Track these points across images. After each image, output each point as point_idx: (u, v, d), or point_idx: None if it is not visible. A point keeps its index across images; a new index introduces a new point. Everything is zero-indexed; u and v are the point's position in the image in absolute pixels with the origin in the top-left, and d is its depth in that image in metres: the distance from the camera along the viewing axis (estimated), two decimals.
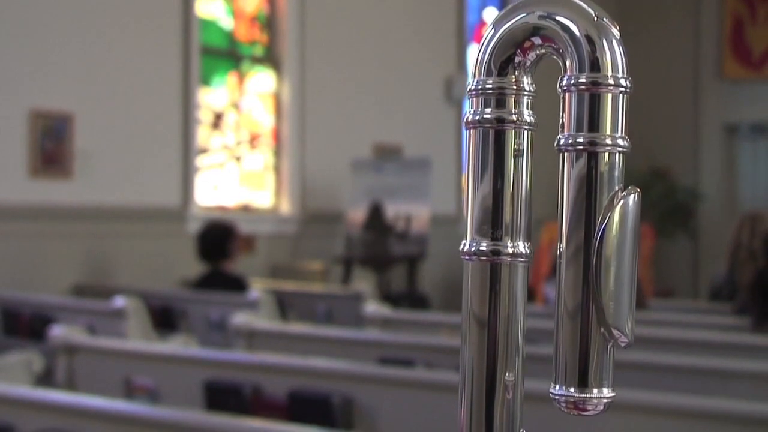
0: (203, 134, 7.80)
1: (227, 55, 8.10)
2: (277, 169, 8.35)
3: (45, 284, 6.44)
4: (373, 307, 4.93)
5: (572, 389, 0.50)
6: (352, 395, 3.16)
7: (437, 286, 8.94)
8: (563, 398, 0.51)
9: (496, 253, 0.51)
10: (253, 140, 8.26)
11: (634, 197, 0.51)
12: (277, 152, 8.35)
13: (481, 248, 0.51)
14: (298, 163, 8.31)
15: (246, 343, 4.26)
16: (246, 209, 8.08)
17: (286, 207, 8.30)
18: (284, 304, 5.88)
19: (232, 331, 4.39)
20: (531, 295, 7.20)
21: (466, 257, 0.52)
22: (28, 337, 5.46)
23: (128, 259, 7.01)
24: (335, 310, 5.90)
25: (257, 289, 5.91)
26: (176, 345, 4.49)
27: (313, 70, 8.39)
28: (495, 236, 0.51)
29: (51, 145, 6.68)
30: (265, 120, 8.33)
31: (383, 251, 7.90)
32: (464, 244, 0.52)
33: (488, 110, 0.52)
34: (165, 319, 5.70)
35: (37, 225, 6.53)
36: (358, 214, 8.04)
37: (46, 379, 4.28)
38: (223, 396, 3.37)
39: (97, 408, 2.66)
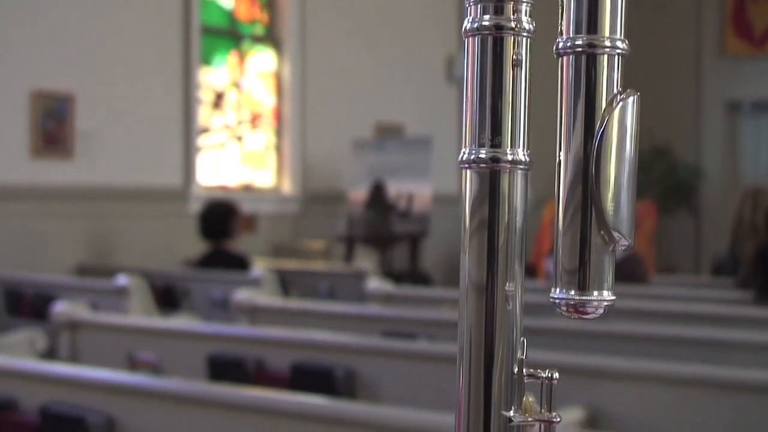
0: (204, 114, 7.79)
1: (228, 34, 8.08)
2: (279, 148, 8.34)
3: (47, 265, 6.45)
4: (375, 284, 4.93)
5: (572, 292, 0.50)
6: (354, 368, 3.16)
7: (439, 264, 8.95)
8: (563, 301, 0.50)
9: (495, 160, 0.51)
10: (255, 120, 8.25)
11: (634, 99, 0.50)
12: (279, 132, 8.34)
13: (480, 156, 0.51)
14: (299, 142, 8.30)
15: (248, 320, 4.26)
16: (247, 189, 8.08)
17: (287, 186, 8.29)
18: (286, 282, 5.88)
19: (235, 308, 4.39)
20: (533, 272, 7.19)
21: (465, 165, 0.51)
22: (32, 317, 5.47)
23: (130, 240, 7.01)
24: (337, 287, 5.90)
25: (259, 267, 5.91)
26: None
27: (313, 50, 8.37)
28: (494, 143, 0.51)
29: (52, 126, 6.67)
30: (266, 99, 8.31)
31: (385, 230, 7.90)
32: (463, 153, 0.52)
33: (486, 17, 0.52)
34: (167, 297, 5.70)
35: (39, 205, 6.53)
36: (359, 193, 8.03)
37: (49, 356, 4.29)
38: (226, 370, 3.38)
39: (100, 380, 2.67)
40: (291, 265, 6.77)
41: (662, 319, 4.06)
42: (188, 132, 7.42)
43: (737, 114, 11.41)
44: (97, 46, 6.84)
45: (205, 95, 7.79)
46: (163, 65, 7.28)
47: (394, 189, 7.92)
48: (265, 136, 8.31)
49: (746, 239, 5.35)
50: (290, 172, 8.28)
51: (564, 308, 0.50)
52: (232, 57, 8.10)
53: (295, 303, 4.60)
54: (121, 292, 4.91)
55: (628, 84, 0.52)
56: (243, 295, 4.40)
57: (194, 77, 7.45)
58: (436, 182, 8.03)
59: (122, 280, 4.94)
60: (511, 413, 0.48)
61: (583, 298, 0.50)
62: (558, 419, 0.49)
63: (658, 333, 3.53)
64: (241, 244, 6.25)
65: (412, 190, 7.88)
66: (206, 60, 7.78)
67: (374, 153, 8.11)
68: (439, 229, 8.22)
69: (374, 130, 8.83)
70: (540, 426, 0.48)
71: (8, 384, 2.81)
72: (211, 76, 7.89)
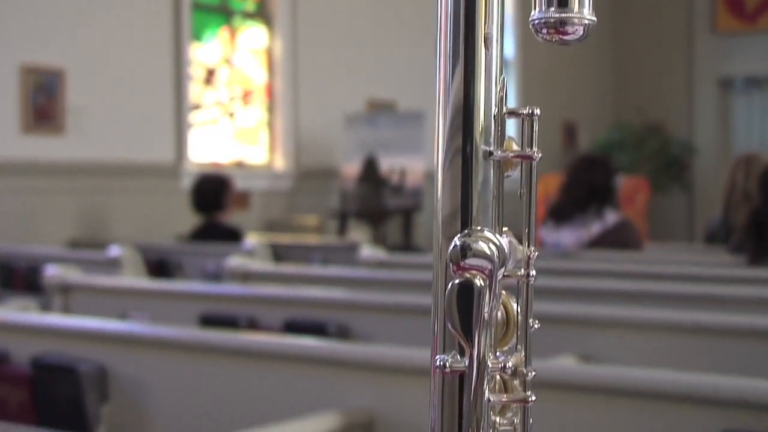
0: (196, 90, 7.76)
1: (218, 10, 8.05)
2: (271, 125, 8.32)
3: (40, 240, 6.43)
4: (368, 251, 4.91)
5: (552, 9, 0.48)
6: (347, 324, 3.15)
7: (432, 238, 8.93)
8: (542, 21, 0.48)
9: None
10: (246, 96, 8.22)
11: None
12: (271, 108, 8.32)
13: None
14: (291, 118, 8.27)
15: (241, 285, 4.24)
16: (240, 165, 8.06)
17: (280, 163, 8.27)
18: (279, 255, 5.87)
19: (227, 274, 4.37)
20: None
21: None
22: (25, 290, 5.45)
23: (122, 216, 6.99)
24: (330, 259, 5.88)
25: (252, 239, 5.90)
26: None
27: (305, 25, 8.35)
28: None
29: (43, 101, 6.65)
30: (257, 76, 8.29)
31: (378, 204, 7.88)
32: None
33: None
34: (160, 270, 5.68)
35: (31, 181, 6.51)
36: (352, 169, 8.02)
37: None
38: (218, 328, 3.36)
39: (91, 330, 2.65)
40: (284, 239, 6.76)
41: (656, 279, 4.06)
42: (180, 108, 7.40)
43: (729, 90, 11.41)
44: (87, 21, 6.81)
45: (196, 71, 7.76)
46: (154, 41, 7.25)
47: (387, 164, 7.91)
48: (257, 113, 8.28)
49: (739, 206, 5.36)
50: (282, 149, 8.26)
51: (543, 30, 0.48)
52: (223, 33, 8.07)
53: (287, 268, 4.59)
54: (114, 262, 4.89)
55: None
56: (236, 261, 4.39)
57: (185, 53, 7.42)
58: (428, 157, 8.00)
59: (114, 250, 4.92)
60: (492, 148, 0.46)
61: (563, 15, 0.48)
62: (538, 156, 0.47)
63: (651, 290, 3.53)
64: (233, 220, 6.23)
65: (404, 164, 7.87)
66: (197, 36, 7.75)
67: (367, 128, 8.10)
68: (431, 203, 8.19)
69: (366, 106, 8.81)
70: (521, 163, 0.47)
71: None
72: (202, 53, 7.86)
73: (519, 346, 0.45)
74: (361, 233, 7.33)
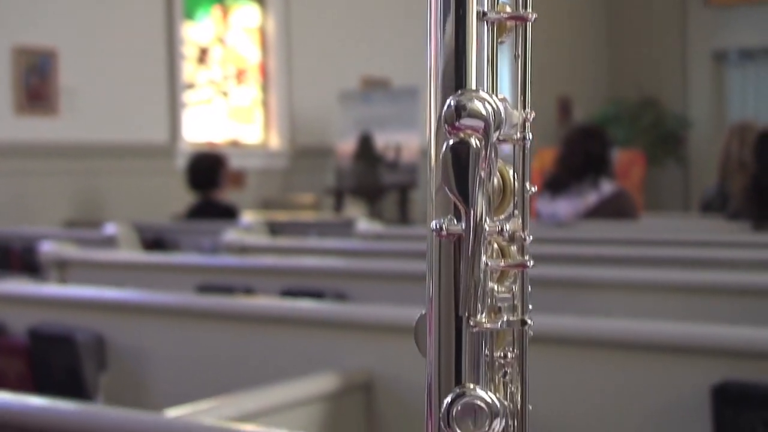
0: (189, 69, 7.73)
1: None
2: (265, 103, 8.29)
3: (35, 222, 6.41)
4: (364, 225, 4.91)
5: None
6: (345, 291, 3.15)
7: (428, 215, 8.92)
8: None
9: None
10: (240, 75, 8.20)
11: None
12: (265, 87, 8.30)
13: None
14: (285, 97, 8.25)
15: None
16: (235, 144, 8.04)
17: (275, 142, 8.25)
18: (275, 232, 5.85)
19: (224, 248, 4.36)
20: None
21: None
22: (20, 270, 5.44)
23: (117, 196, 6.98)
24: (327, 235, 5.87)
25: (248, 216, 5.89)
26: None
27: (298, 3, 8.31)
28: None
29: (36, 82, 6.62)
30: (251, 54, 8.26)
31: (374, 181, 7.88)
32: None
33: None
34: (156, 249, 5.67)
35: (25, 162, 6.49)
36: (347, 146, 8.01)
37: None
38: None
39: (87, 298, 2.65)
40: (280, 216, 6.75)
41: (653, 246, 4.05)
42: (173, 88, 7.37)
43: (724, 63, 11.39)
44: (79, 1, 6.78)
45: (189, 51, 7.74)
46: (147, 20, 7.22)
47: (382, 140, 7.89)
48: (251, 92, 8.26)
49: (734, 175, 5.36)
50: (277, 127, 8.24)
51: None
52: (215, 12, 8.04)
53: (284, 241, 4.58)
54: (110, 241, 4.88)
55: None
56: (232, 235, 4.38)
57: (178, 32, 7.39)
58: (423, 133, 7.98)
59: (110, 228, 4.91)
60: (485, 8, 0.45)
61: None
62: (533, 17, 0.45)
63: (648, 255, 3.52)
64: (228, 198, 6.22)
65: (399, 141, 7.85)
66: (189, 15, 7.72)
67: (361, 105, 8.08)
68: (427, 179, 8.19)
69: (361, 84, 8.79)
70: (515, 26, 0.46)
71: None
72: (195, 32, 7.83)
73: (516, 212, 0.44)
74: (357, 210, 7.32)
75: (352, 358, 2.19)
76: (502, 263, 0.44)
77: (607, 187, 4.89)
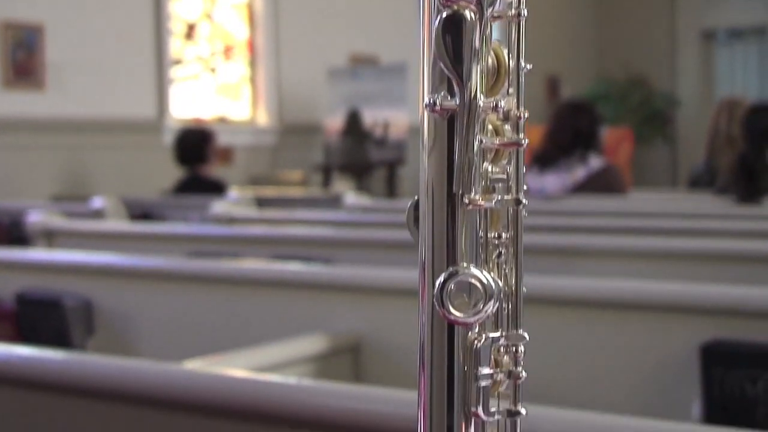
0: (176, 45, 7.69)
1: None
2: (253, 80, 8.26)
3: (21, 197, 6.38)
4: (352, 198, 4.90)
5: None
6: (332, 259, 3.14)
7: (416, 191, 8.90)
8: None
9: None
10: (228, 51, 8.16)
11: None
12: (253, 63, 8.26)
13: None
14: (273, 73, 8.22)
15: None
16: (222, 121, 8.01)
17: (263, 118, 8.23)
18: (264, 207, 5.84)
19: (212, 220, 4.35)
20: None
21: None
22: (8, 244, 5.42)
23: (105, 172, 6.95)
24: (315, 209, 5.86)
25: (236, 191, 5.87)
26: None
27: None
28: None
29: (22, 57, 6.58)
30: (238, 31, 8.22)
31: (362, 157, 7.86)
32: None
33: None
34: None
35: (12, 137, 6.45)
36: (335, 122, 7.99)
37: None
38: None
39: (75, 263, 2.64)
40: (269, 192, 6.73)
41: (641, 218, 4.06)
42: (161, 63, 7.34)
43: (712, 42, 11.39)
44: None
45: (176, 26, 7.70)
46: None
47: (370, 117, 7.88)
48: (239, 68, 8.23)
49: (722, 150, 5.36)
50: (265, 104, 8.21)
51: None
52: None
53: (272, 213, 4.57)
54: (97, 214, 4.86)
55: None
56: (220, 207, 4.37)
57: (165, 8, 7.35)
58: (411, 109, 7.98)
59: (98, 202, 4.89)
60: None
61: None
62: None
63: (636, 226, 3.52)
64: (217, 174, 6.21)
65: (387, 117, 7.84)
66: None
67: (349, 81, 8.06)
68: (415, 156, 8.15)
69: (349, 60, 8.76)
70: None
71: None
72: (182, 7, 7.79)
73: (511, 90, 0.44)
74: (345, 186, 7.31)
75: (340, 321, 2.18)
76: (497, 141, 0.43)
77: (595, 162, 4.89)
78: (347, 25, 8.82)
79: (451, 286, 0.42)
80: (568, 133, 4.84)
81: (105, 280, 2.55)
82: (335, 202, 5.63)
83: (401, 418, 1.07)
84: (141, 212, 5.75)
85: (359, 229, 3.71)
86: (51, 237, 3.79)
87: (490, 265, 0.44)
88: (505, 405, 0.44)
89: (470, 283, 0.42)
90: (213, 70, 8.04)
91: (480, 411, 0.43)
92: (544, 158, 4.94)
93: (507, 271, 0.44)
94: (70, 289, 2.59)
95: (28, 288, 2.65)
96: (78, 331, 2.55)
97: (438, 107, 0.42)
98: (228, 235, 3.46)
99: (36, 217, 3.85)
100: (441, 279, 0.42)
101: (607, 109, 10.14)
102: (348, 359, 2.14)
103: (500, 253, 0.44)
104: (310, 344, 2.09)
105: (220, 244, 3.41)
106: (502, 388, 0.44)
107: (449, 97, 0.42)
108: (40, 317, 2.61)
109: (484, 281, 0.42)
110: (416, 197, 0.46)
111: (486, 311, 0.42)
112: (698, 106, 11.13)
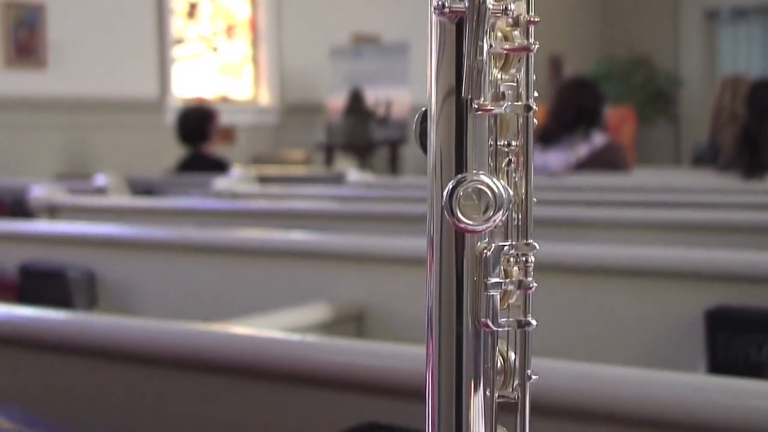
0: (178, 24, 7.67)
1: None
2: (255, 59, 8.24)
3: (24, 176, 6.37)
4: (355, 175, 4.90)
5: None
6: (335, 231, 3.13)
7: (419, 170, 8.90)
8: None
9: None
10: (230, 30, 8.14)
11: None
12: (255, 43, 8.24)
13: None
14: (275, 53, 8.20)
15: None
16: (225, 101, 8.00)
17: (265, 97, 8.21)
18: (266, 185, 5.83)
19: (214, 197, 4.35)
20: None
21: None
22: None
23: (107, 151, 6.94)
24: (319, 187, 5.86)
25: (238, 170, 5.86)
26: None
27: None
28: None
29: (24, 36, 6.57)
30: (240, 10, 8.19)
31: (364, 137, 7.85)
32: None
33: None
34: None
35: (13, 116, 6.44)
36: (338, 102, 7.97)
37: None
38: None
39: (79, 234, 2.63)
40: (271, 171, 6.72)
41: (644, 193, 4.05)
42: (162, 42, 7.32)
43: (715, 22, 11.34)
44: None
45: (178, 5, 7.67)
46: None
47: (372, 96, 7.86)
48: (241, 47, 8.20)
49: (726, 127, 5.35)
50: (267, 83, 8.19)
51: None
52: None
53: (274, 188, 4.57)
54: (100, 191, 4.85)
55: None
56: (223, 183, 4.37)
57: None
58: (414, 88, 7.95)
59: (101, 179, 4.88)
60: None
61: None
62: None
63: (640, 199, 3.51)
64: (219, 153, 6.20)
65: (390, 96, 7.82)
66: None
67: (351, 60, 8.03)
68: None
69: (351, 40, 8.73)
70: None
71: None
72: None
73: None
74: (347, 165, 7.30)
75: (344, 290, 2.18)
76: (507, 45, 0.43)
77: (598, 139, 4.88)
78: (349, 4, 8.79)
79: (460, 192, 0.41)
80: (571, 111, 4.83)
81: (108, 251, 2.54)
82: (338, 180, 5.62)
83: (407, 373, 1.07)
84: (143, 190, 5.74)
85: (362, 203, 3.71)
86: (54, 212, 3.78)
87: (500, 174, 0.43)
88: (516, 316, 0.44)
89: (480, 190, 0.41)
90: (215, 49, 8.02)
91: (490, 321, 0.42)
92: (548, 135, 4.93)
93: (517, 179, 0.44)
94: (73, 261, 2.58)
95: (32, 259, 2.65)
96: (81, 302, 2.55)
97: (447, 9, 0.41)
98: (230, 209, 3.46)
99: (39, 192, 3.84)
100: (450, 186, 0.42)
101: (610, 88, 10.10)
102: (351, 327, 2.14)
103: (510, 161, 0.43)
104: (314, 313, 2.08)
105: (223, 218, 3.40)
106: (512, 300, 0.44)
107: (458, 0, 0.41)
108: (44, 288, 2.61)
109: (494, 188, 0.41)
110: (423, 109, 0.45)
111: (496, 219, 0.41)
112: (701, 85, 11.09)
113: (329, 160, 7.82)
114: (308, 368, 1.12)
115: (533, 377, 0.44)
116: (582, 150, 4.88)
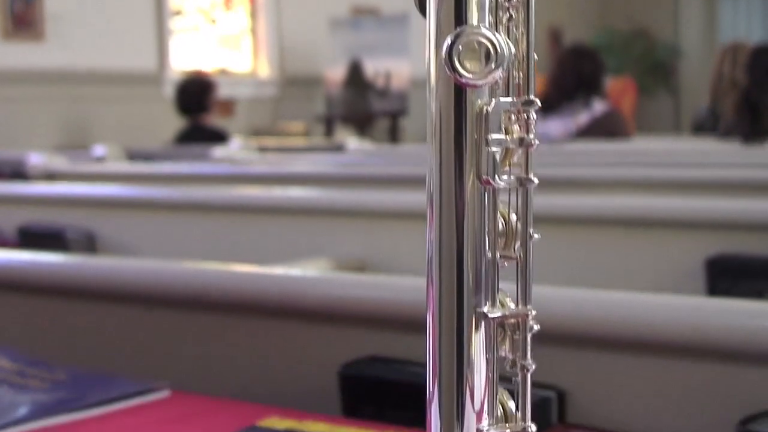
0: None
1: None
2: (254, 31, 8.21)
3: (22, 148, 6.36)
4: (355, 144, 4.89)
5: None
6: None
7: (419, 141, 8.89)
8: None
9: None
10: (228, 2, 8.11)
11: None
12: (253, 14, 8.21)
13: None
14: (274, 24, 8.17)
15: None
16: (224, 73, 7.97)
17: (264, 70, 8.18)
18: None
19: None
20: None
21: None
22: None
23: (105, 123, 6.93)
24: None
25: (238, 141, 5.85)
26: None
27: None
28: None
29: (21, 7, 6.54)
30: None
31: (364, 108, 7.83)
32: None
33: None
34: None
35: (12, 89, 6.43)
36: (337, 73, 7.95)
37: None
38: None
39: (77, 195, 2.63)
40: (270, 142, 6.71)
41: (647, 157, 4.04)
42: (160, 14, 7.29)
43: None
44: None
45: None
46: None
47: (372, 68, 7.84)
48: (239, 19, 8.17)
49: (726, 95, 5.33)
50: (266, 55, 8.17)
51: None
52: None
53: (274, 157, 4.56)
54: (100, 161, 4.84)
55: None
56: (222, 152, 4.37)
57: None
58: (414, 60, 7.93)
59: (100, 150, 4.88)
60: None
61: None
62: None
63: (641, 161, 3.51)
64: (218, 124, 6.19)
65: (389, 68, 7.80)
66: None
67: (351, 32, 8.01)
68: (418, 106, 8.15)
69: (351, 11, 8.70)
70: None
71: None
72: None
73: None
74: (347, 137, 7.29)
75: (344, 245, 2.18)
76: None
77: (598, 106, 4.87)
78: None
79: (460, 46, 0.41)
80: (571, 79, 4.82)
81: (107, 212, 2.54)
82: (338, 150, 5.61)
83: (409, 305, 1.06)
84: (142, 160, 5.74)
85: (362, 167, 3.70)
86: (52, 179, 3.78)
87: (501, 29, 0.42)
88: (517, 173, 0.43)
89: (480, 43, 0.40)
90: (213, 21, 7.99)
91: (491, 178, 0.42)
92: (548, 104, 4.92)
93: (518, 35, 0.43)
94: (73, 222, 2.58)
95: (31, 221, 2.64)
96: None
97: None
98: (229, 173, 3.45)
99: (37, 159, 3.83)
100: (449, 39, 0.41)
101: (610, 60, 10.06)
102: None
103: (511, 16, 0.43)
104: (315, 269, 2.08)
105: (223, 183, 3.39)
106: (514, 159, 0.43)
107: None
108: (43, 250, 2.60)
109: (495, 41, 0.41)
110: None
111: (496, 72, 0.41)
112: (701, 56, 11.06)
113: (329, 132, 7.80)
114: (309, 302, 1.12)
115: (535, 236, 0.43)
116: (582, 118, 4.87)
